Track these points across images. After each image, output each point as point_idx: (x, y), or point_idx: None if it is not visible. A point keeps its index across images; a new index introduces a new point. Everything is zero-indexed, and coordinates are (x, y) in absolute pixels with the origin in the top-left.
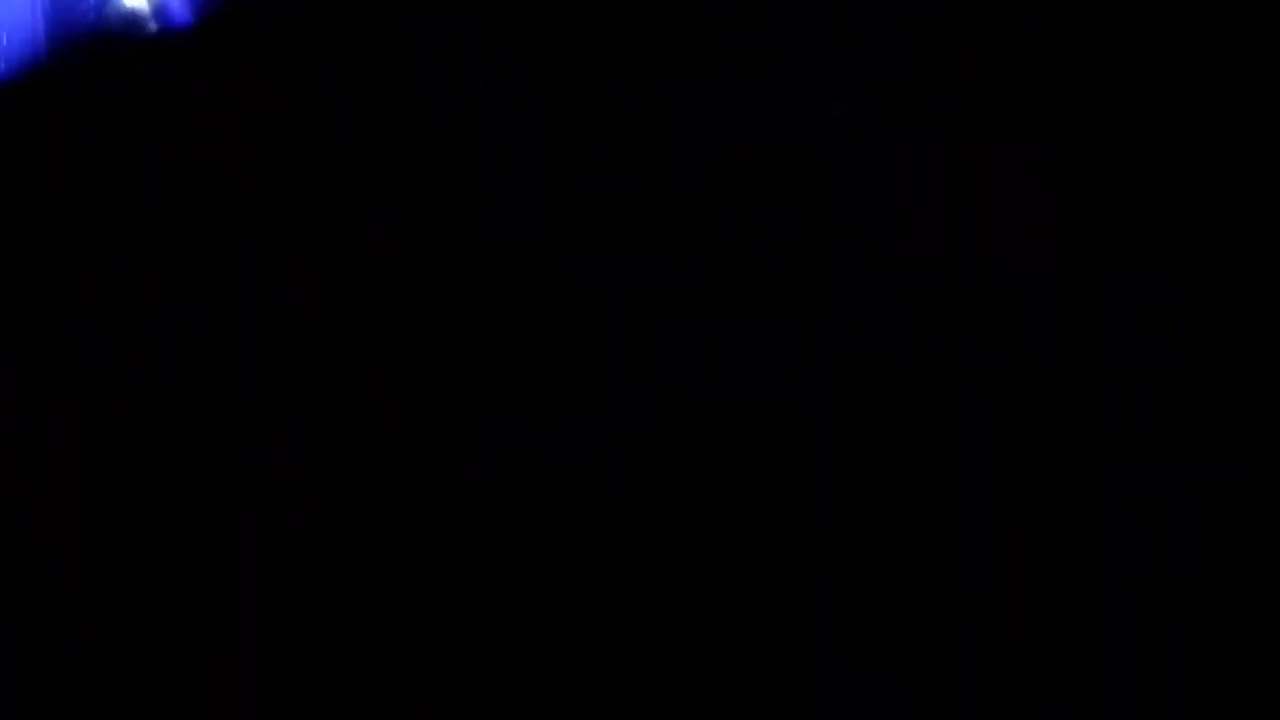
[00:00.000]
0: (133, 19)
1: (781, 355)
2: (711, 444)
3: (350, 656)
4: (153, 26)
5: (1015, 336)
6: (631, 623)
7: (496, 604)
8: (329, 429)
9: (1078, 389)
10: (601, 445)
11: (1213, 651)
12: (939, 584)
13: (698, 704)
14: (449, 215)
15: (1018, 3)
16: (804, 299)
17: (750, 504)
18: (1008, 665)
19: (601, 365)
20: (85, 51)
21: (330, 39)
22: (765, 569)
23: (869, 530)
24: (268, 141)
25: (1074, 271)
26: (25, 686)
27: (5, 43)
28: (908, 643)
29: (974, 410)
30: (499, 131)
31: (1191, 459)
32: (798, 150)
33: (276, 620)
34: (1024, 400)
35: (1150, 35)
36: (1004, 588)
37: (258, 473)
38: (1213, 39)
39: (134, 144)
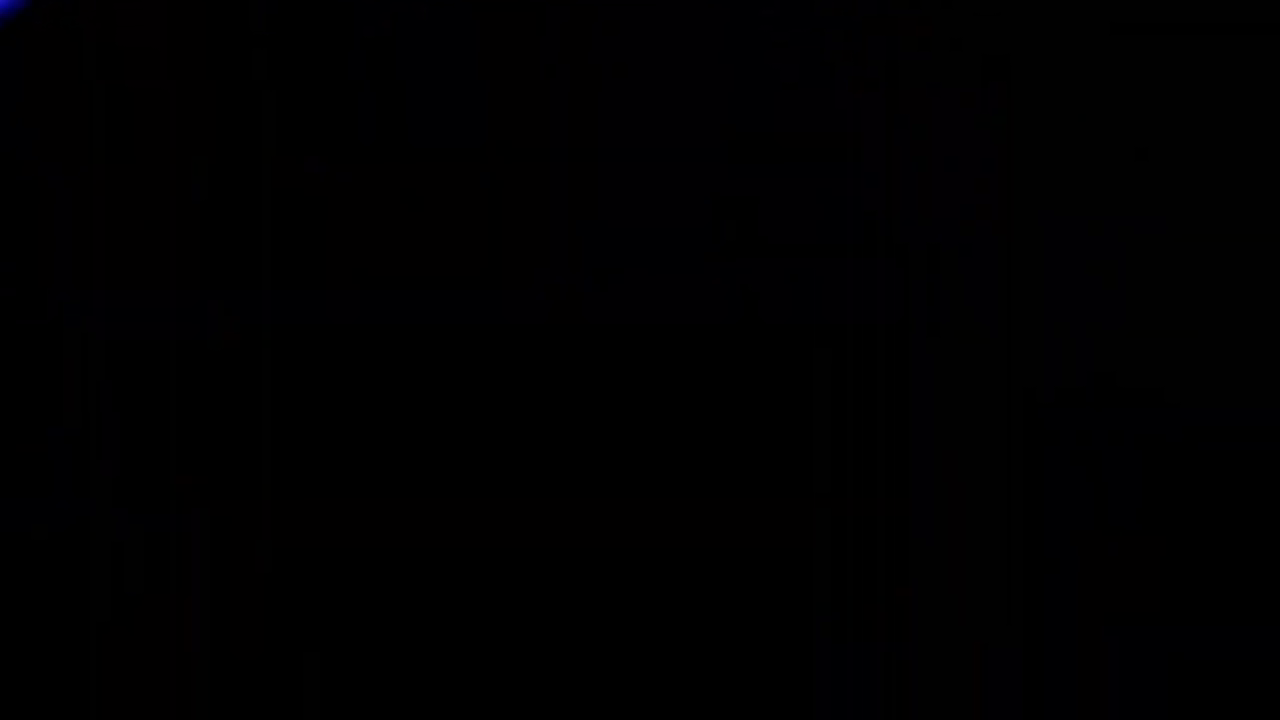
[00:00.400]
0: None
1: (734, 309)
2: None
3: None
4: None
5: (954, 287)
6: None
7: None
8: None
9: (1017, 339)
10: None
11: (1151, 602)
12: (880, 533)
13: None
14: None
15: None
16: (742, 250)
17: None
18: (945, 614)
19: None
20: None
21: None
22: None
23: (809, 477)
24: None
25: (1014, 222)
26: None
27: None
28: (846, 586)
29: (914, 360)
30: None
31: (1131, 409)
32: (735, 101)
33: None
34: (963, 351)
35: None
36: (943, 538)
37: None
38: None
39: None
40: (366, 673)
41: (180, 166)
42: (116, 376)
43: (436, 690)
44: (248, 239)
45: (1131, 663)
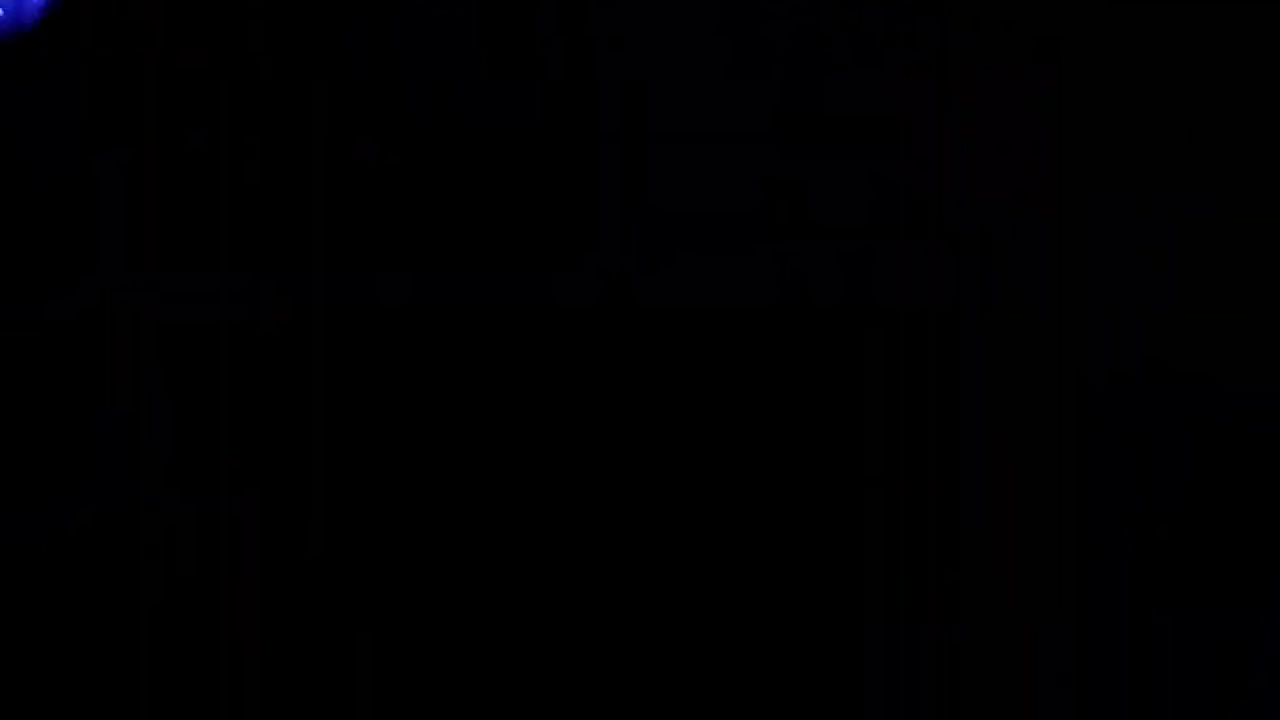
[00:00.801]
0: None
1: (787, 289)
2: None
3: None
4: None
5: (1005, 270)
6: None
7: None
8: None
9: (1068, 322)
10: None
11: (1201, 583)
12: (932, 514)
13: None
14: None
15: None
16: (792, 232)
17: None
18: (997, 596)
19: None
20: None
21: None
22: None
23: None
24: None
25: (1064, 205)
26: None
27: None
28: (898, 567)
29: (965, 343)
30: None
31: (1181, 391)
32: (785, 83)
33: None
34: (1014, 333)
35: None
36: (994, 520)
37: None
38: None
39: None
40: (417, 653)
41: (231, 148)
42: (167, 358)
43: (488, 671)
44: (298, 221)
45: (1182, 643)
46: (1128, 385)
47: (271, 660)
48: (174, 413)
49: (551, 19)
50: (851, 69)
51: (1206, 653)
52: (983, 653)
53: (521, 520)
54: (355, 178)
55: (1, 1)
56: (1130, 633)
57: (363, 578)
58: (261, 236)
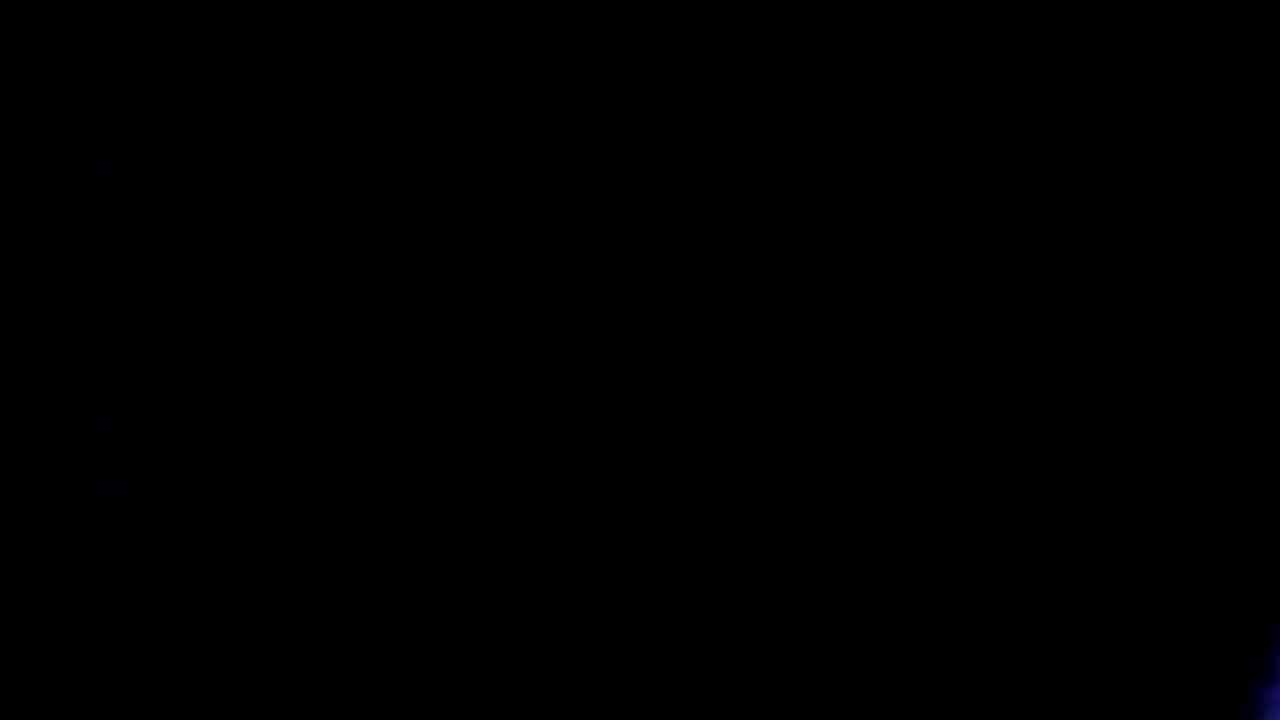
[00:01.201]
0: None
1: (786, 289)
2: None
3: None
4: None
5: (1005, 270)
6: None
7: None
8: None
9: (1068, 322)
10: None
11: (1201, 583)
12: (931, 515)
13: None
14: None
15: None
16: (792, 232)
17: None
18: (997, 596)
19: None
20: None
21: None
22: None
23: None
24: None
25: (1064, 204)
26: None
27: None
28: (898, 567)
29: (965, 343)
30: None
31: (1181, 391)
32: (785, 83)
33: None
34: (1014, 333)
35: None
36: (994, 520)
37: None
38: None
39: None
40: (416, 653)
41: (231, 148)
42: (167, 358)
43: (487, 670)
44: (298, 221)
45: (1182, 643)
46: (1128, 385)
47: (271, 660)
48: (174, 413)
49: (551, 19)
50: (851, 69)
51: (1206, 653)
52: (983, 653)
53: (521, 520)
54: (355, 178)
55: None
56: (1130, 633)
57: (363, 578)
58: (261, 236)
